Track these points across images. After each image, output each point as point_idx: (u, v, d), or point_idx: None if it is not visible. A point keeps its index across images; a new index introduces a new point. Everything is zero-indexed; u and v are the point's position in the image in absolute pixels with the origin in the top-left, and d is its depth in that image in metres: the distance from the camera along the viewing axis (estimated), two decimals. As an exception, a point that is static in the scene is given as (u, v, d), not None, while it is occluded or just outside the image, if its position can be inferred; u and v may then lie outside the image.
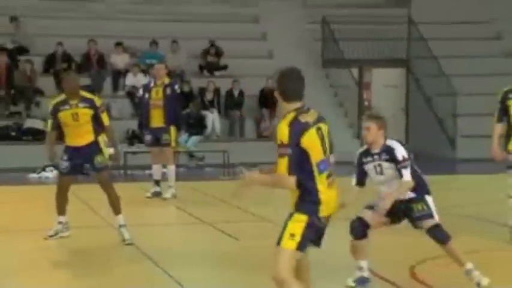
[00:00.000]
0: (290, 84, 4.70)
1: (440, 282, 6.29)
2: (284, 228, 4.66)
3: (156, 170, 11.30)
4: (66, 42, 17.93)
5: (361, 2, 20.59)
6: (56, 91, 17.15)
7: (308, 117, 4.68)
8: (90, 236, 8.55)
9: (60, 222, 7.86)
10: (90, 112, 7.68)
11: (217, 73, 18.70)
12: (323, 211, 4.68)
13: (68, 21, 18.75)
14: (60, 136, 8.00)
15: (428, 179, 6.40)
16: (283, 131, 4.52)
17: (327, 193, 4.69)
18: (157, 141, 11.10)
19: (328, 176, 4.73)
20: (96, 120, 7.74)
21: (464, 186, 14.09)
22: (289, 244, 4.65)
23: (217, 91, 17.93)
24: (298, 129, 4.60)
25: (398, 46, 19.44)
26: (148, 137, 11.26)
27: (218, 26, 19.47)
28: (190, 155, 16.56)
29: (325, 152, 4.75)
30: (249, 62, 19.06)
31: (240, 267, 6.96)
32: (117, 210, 7.76)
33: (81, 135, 7.63)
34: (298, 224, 4.66)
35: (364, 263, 6.16)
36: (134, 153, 15.36)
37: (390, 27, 19.30)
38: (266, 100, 18.04)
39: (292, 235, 4.65)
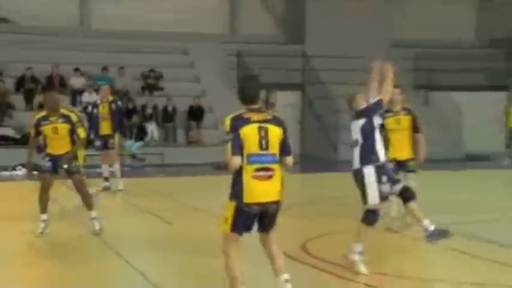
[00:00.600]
0: (244, 91, 4.47)
1: (328, 255, 6.09)
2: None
3: (105, 169, 11.10)
4: (34, 67, 17.10)
5: (267, 40, 20.60)
6: (25, 106, 16.72)
7: (254, 116, 4.38)
8: (61, 231, 7.85)
9: (43, 220, 7.19)
10: (67, 127, 7.25)
11: (155, 93, 18.25)
12: (247, 198, 4.29)
13: (36, 51, 17.85)
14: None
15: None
16: (226, 123, 4.35)
17: (251, 182, 4.29)
18: (105, 146, 10.95)
19: (258, 169, 4.31)
20: (73, 133, 7.28)
21: (343, 181, 14.30)
22: (224, 227, 4.37)
23: (155, 107, 17.58)
24: (239, 121, 4.35)
25: (295, 74, 19.40)
26: (98, 143, 11.08)
27: (157, 56, 18.97)
28: (134, 156, 16.14)
29: (261, 148, 4.35)
30: (180, 85, 18.72)
31: (191, 252, 6.46)
32: (89, 207, 7.37)
33: (60, 146, 7.20)
34: (229, 209, 4.35)
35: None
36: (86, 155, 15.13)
37: (289, 59, 19.26)
38: (193, 114, 17.93)
39: (226, 219, 4.37)
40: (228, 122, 4.37)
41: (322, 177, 14.27)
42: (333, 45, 19.76)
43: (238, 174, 4.34)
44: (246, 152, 4.32)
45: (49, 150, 7.30)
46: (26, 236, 7.37)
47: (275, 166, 4.39)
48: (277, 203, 4.43)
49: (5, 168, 13.98)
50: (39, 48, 17.87)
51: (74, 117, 7.37)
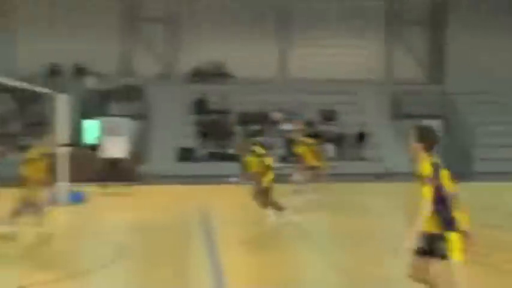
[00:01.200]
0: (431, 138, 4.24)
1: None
2: None
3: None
4: (248, 108, 20.11)
5: (414, 81, 22.36)
6: (242, 134, 19.47)
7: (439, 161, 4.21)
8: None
9: None
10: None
11: (331, 122, 20.68)
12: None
13: (248, 96, 20.42)
14: None
15: None
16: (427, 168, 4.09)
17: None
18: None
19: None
20: None
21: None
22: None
23: (331, 132, 19.79)
24: (439, 167, 4.15)
25: (435, 106, 20.70)
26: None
27: (333, 96, 21.13)
28: None
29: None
30: (349, 117, 20.63)
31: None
32: None
33: None
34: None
35: None
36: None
37: (431, 96, 20.81)
38: (359, 138, 20.16)
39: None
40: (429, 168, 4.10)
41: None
42: (470, 83, 21.03)
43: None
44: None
45: None
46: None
47: None
48: None
49: (227, 176, 16.09)
50: (250, 93, 20.91)
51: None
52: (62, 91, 12.73)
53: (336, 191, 13.00)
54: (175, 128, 19.99)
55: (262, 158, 8.46)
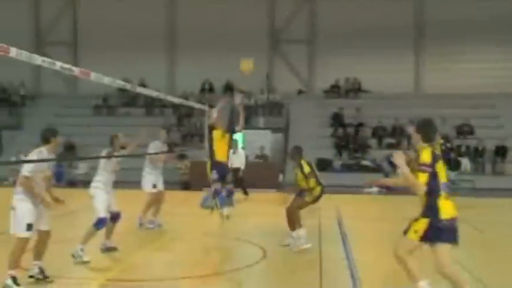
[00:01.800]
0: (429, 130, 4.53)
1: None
2: None
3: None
4: (383, 121, 19.82)
5: None
6: (378, 147, 19.51)
7: (438, 153, 4.49)
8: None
9: None
10: None
11: (468, 136, 19.47)
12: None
13: (382, 110, 20.27)
14: None
15: None
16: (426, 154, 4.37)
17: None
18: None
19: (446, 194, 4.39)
20: None
21: None
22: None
23: (468, 147, 18.76)
24: (436, 157, 4.43)
25: None
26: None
27: (470, 110, 20.24)
28: (452, 183, 18.48)
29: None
30: (488, 131, 19.49)
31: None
32: None
33: None
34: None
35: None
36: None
37: None
38: (499, 152, 18.67)
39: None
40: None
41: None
42: None
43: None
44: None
45: None
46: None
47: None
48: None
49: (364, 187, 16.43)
50: (385, 108, 20.67)
51: None
52: (214, 106, 13.21)
53: (476, 207, 12.41)
54: (313, 140, 20.01)
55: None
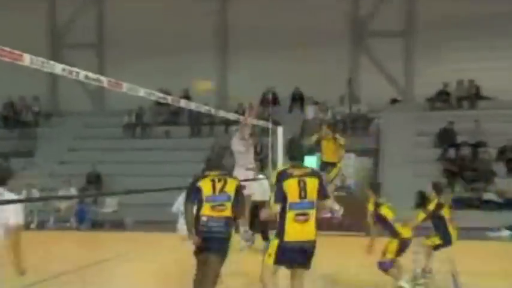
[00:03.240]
0: (290, 151, 6.02)
1: None
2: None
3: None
4: None
5: None
6: (506, 174, 19.46)
7: (295, 171, 5.83)
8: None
9: None
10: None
11: None
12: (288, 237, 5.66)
13: None
14: None
15: None
16: (273, 176, 5.96)
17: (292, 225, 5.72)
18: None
19: (297, 214, 5.71)
20: None
21: None
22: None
23: None
24: (283, 176, 5.82)
25: None
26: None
27: None
28: None
29: (300, 197, 5.73)
30: None
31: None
32: None
33: None
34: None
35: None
36: None
37: None
38: None
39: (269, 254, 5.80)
40: (273, 176, 5.97)
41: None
42: None
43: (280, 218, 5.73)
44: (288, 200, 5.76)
45: None
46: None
47: (311, 211, 5.80)
48: (313, 242, 5.82)
49: (491, 229, 16.91)
50: None
51: None
52: (278, 122, 13.30)
53: None
54: (412, 166, 19.65)
55: None
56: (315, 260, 6.02)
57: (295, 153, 6.01)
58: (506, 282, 9.90)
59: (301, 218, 5.76)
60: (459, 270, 10.70)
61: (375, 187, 8.55)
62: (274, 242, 5.80)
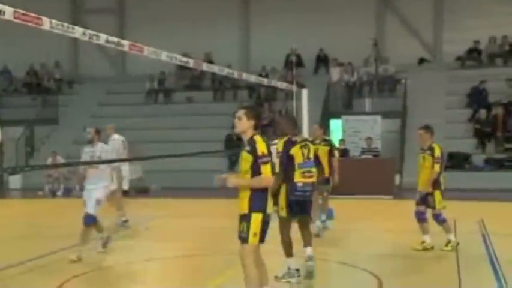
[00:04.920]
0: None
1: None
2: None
3: None
4: None
5: None
6: None
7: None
8: None
9: None
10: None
11: None
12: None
13: None
14: None
15: None
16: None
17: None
18: None
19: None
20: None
21: None
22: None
23: None
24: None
25: None
26: None
27: None
28: None
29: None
30: None
31: None
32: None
33: None
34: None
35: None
36: None
37: None
38: None
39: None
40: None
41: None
42: None
43: None
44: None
45: None
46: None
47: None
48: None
49: None
50: None
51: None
52: (303, 85, 13.26)
53: None
54: (443, 128, 19.51)
55: None
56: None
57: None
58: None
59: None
60: (490, 231, 10.64)
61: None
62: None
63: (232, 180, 5.26)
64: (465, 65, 22.40)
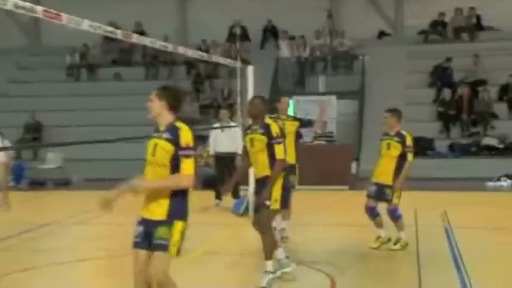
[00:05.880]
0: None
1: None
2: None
3: None
4: None
5: None
6: (508, 115, 19.76)
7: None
8: None
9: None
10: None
11: None
12: None
13: None
14: None
15: None
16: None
17: None
18: None
19: None
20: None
21: None
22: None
23: None
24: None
25: None
26: None
27: None
28: None
29: None
30: None
31: None
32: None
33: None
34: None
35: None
36: None
37: None
38: None
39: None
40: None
41: None
42: None
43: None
44: None
45: None
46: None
47: None
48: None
49: (490, 179, 17.02)
50: None
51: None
52: (248, 61, 13.27)
53: None
54: (404, 110, 19.67)
55: None
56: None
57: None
58: (505, 237, 10.11)
59: None
60: (454, 224, 10.91)
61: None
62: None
63: (141, 183, 4.87)
64: (428, 40, 22.79)
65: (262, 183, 6.95)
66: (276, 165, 6.86)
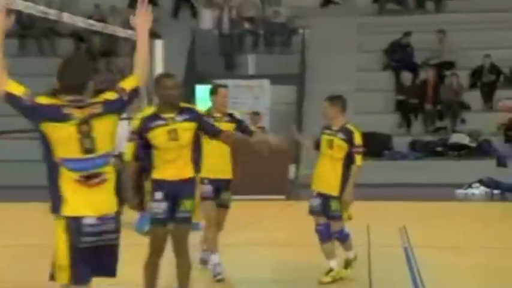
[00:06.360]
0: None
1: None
2: None
3: None
4: (493, 54, 20.18)
5: None
6: (483, 106, 20.25)
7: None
8: None
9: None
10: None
11: None
12: None
13: (494, 33, 20.93)
14: None
15: None
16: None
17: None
18: None
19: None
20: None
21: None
22: None
23: None
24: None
25: None
26: None
27: None
28: None
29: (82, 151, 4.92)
30: None
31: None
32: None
33: None
34: None
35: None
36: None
37: None
38: None
39: None
40: None
41: None
42: None
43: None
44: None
45: None
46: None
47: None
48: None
49: (460, 186, 17.26)
50: (503, 29, 21.15)
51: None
52: (157, 34, 13.13)
53: None
54: (351, 98, 19.86)
55: None
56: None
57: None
58: (478, 258, 10.29)
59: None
60: (415, 244, 11.02)
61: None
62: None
63: None
64: (384, 10, 23.06)
65: None
66: None
